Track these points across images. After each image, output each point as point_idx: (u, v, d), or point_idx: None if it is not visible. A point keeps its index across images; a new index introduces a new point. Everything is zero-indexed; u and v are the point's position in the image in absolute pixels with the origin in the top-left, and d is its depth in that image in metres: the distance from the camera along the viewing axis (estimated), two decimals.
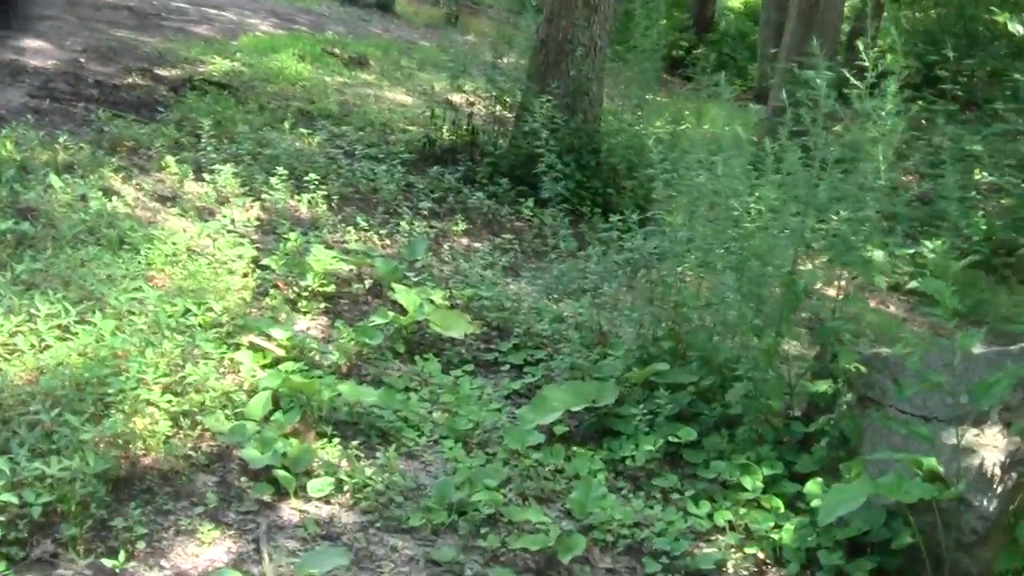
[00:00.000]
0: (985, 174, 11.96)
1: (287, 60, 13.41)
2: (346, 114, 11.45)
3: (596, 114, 10.63)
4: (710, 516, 5.33)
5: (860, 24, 17.88)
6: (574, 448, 5.77)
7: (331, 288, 7.00)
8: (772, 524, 5.24)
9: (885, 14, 19.37)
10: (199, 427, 5.15)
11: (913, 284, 6.73)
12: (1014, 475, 4.90)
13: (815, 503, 5.13)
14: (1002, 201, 11.94)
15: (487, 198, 9.64)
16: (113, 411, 4.85)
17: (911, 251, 6.81)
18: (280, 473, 4.96)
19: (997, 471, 4.89)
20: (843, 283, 6.11)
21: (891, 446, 5.12)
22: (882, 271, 6.00)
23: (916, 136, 10.82)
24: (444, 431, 5.77)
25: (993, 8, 17.41)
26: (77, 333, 5.32)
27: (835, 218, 5.81)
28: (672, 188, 6.63)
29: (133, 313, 5.64)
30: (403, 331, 6.64)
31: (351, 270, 7.30)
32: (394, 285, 7.04)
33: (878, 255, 5.90)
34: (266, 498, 4.89)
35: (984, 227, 10.71)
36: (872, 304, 6.95)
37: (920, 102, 7.23)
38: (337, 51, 15.02)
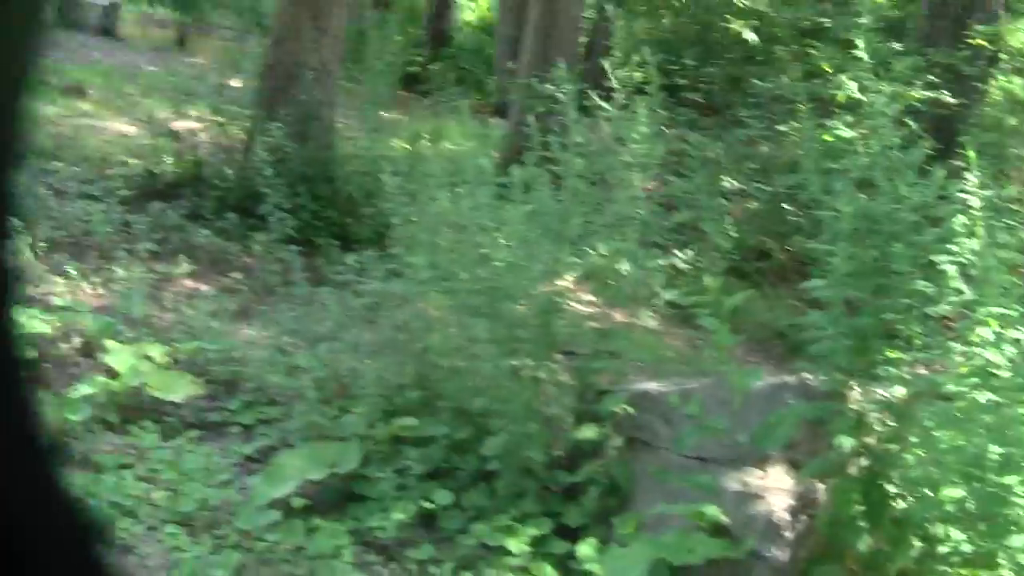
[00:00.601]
0: (730, 180, 11.92)
1: None
2: (59, 148, 10.45)
3: (329, 141, 10.00)
4: None
5: (597, 39, 17.79)
6: (316, 521, 5.10)
7: (31, 354, 6.11)
8: None
9: (620, 23, 19.51)
10: None
11: (668, 296, 6.39)
12: (804, 519, 4.54)
13: (590, 566, 4.63)
14: (748, 206, 11.90)
15: (215, 235, 8.87)
16: None
17: (662, 262, 6.47)
18: None
19: (787, 516, 4.52)
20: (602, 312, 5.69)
21: (667, 492, 4.78)
22: (634, 285, 5.60)
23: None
24: (165, 514, 5.01)
25: (728, 16, 17.67)
26: None
27: (591, 252, 5.34)
28: (411, 220, 6.04)
29: None
30: (116, 398, 5.83)
31: (57, 328, 6.43)
32: (107, 343, 6.23)
33: (632, 271, 5.49)
34: None
35: (735, 234, 10.62)
36: (624, 319, 6.57)
37: (662, 111, 7.00)
38: (52, 80, 13.93)
